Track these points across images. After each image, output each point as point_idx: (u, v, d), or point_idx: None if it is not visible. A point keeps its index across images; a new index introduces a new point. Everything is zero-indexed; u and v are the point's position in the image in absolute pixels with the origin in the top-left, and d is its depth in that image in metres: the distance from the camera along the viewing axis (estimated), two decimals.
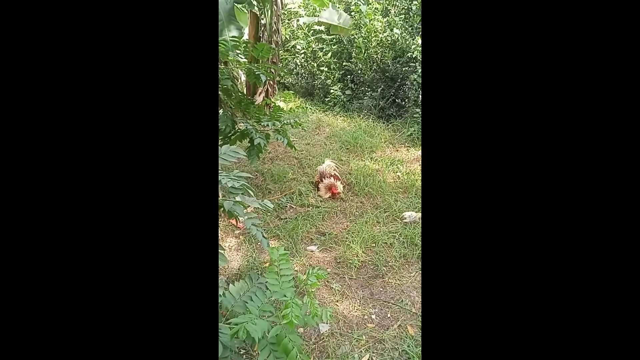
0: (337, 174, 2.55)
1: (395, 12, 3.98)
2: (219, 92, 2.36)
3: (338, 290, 1.75)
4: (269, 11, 3.78)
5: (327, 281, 1.80)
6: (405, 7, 3.95)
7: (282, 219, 2.30)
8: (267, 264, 1.87)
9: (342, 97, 4.36)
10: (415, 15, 3.88)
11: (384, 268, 1.88)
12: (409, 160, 3.04)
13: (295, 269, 1.84)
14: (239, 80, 4.06)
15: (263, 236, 1.29)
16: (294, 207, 2.44)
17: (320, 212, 2.36)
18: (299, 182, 2.67)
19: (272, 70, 3.73)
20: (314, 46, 4.69)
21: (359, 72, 4.16)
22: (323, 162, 2.69)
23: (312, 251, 2.03)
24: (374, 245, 2.04)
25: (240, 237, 2.14)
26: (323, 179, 2.50)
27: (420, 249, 1.95)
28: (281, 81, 5.54)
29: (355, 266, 1.88)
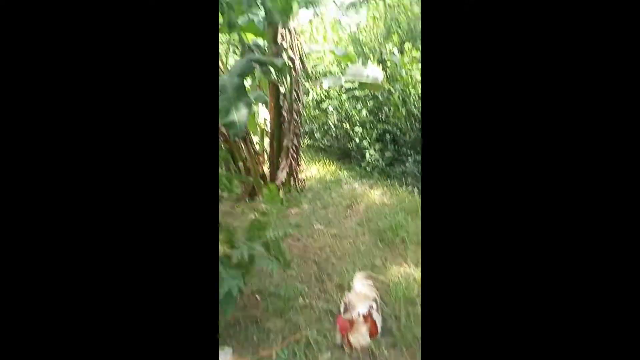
0: (372, 310, 1.52)
1: None
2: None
3: None
4: (289, 78, 3.34)
5: None
6: None
7: None
8: None
9: (381, 160, 3.64)
10: None
11: None
12: None
13: None
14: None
15: None
16: None
17: None
18: (312, 313, 1.74)
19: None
20: (347, 105, 4.14)
21: (399, 131, 3.44)
22: (352, 275, 1.92)
23: None
24: None
25: None
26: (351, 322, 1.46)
27: None
28: (316, 144, 5.04)
29: None
